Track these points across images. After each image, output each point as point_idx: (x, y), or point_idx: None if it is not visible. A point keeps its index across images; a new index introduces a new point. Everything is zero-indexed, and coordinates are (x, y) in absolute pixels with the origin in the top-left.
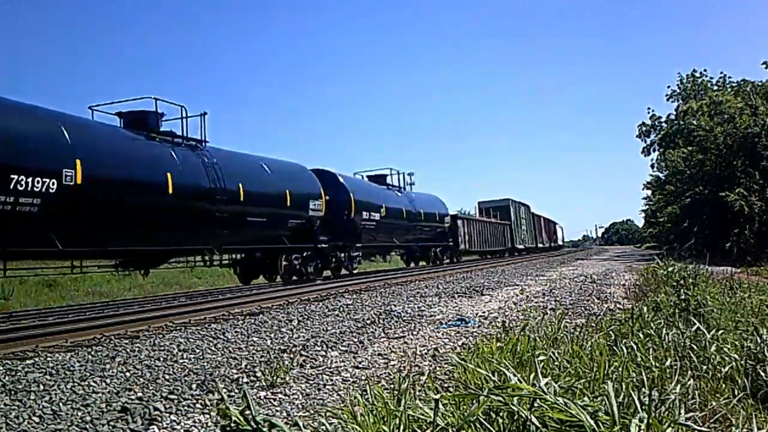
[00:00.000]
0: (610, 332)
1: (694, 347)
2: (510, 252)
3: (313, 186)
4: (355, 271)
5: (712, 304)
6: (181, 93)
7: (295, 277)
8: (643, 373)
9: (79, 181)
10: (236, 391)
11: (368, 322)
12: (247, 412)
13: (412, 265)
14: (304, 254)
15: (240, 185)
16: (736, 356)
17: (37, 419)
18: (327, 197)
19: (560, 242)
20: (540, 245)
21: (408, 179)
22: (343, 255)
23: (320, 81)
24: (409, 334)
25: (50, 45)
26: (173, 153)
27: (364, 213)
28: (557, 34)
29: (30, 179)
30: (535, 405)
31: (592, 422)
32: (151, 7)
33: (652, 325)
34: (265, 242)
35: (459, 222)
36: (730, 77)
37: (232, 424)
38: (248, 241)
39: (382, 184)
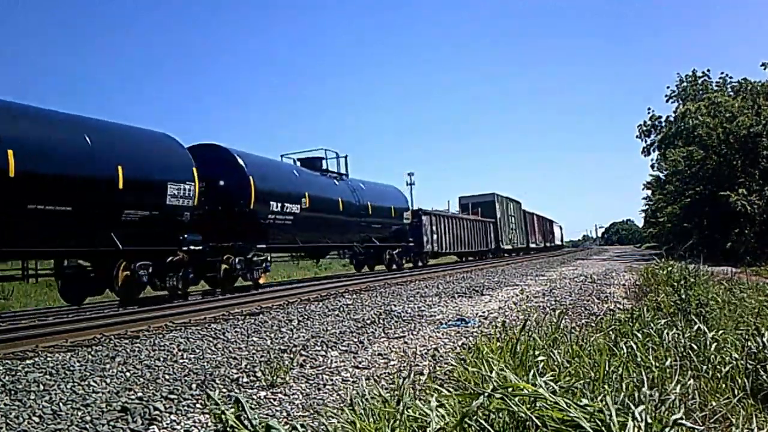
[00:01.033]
0: (610, 332)
1: (694, 347)
2: (494, 253)
3: (179, 164)
4: (261, 281)
5: (713, 304)
6: (182, 94)
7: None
8: (643, 373)
9: None
10: (237, 391)
11: (368, 322)
12: (243, 415)
13: (366, 269)
14: (169, 260)
15: (10, 155)
16: (736, 356)
17: (37, 419)
18: (221, 182)
19: (558, 242)
20: (533, 245)
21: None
22: (238, 261)
23: (319, 82)
24: (409, 334)
25: (50, 46)
26: None
27: (274, 204)
28: (557, 35)
29: None
30: (536, 405)
31: (590, 423)
32: (150, 7)
33: (652, 325)
34: (75, 243)
35: (424, 218)
36: (730, 77)
37: (228, 429)
38: (34, 241)
39: (315, 168)
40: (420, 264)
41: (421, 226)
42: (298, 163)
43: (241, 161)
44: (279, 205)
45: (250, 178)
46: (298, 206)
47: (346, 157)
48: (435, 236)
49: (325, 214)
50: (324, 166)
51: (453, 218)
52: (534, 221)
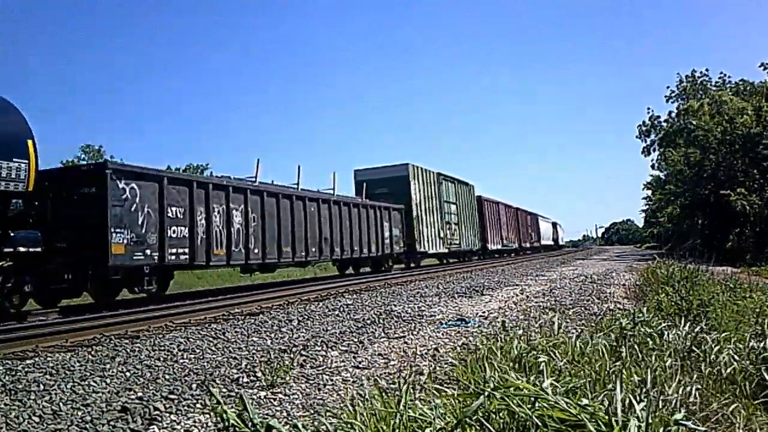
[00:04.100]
0: (611, 332)
1: (695, 348)
2: (407, 259)
3: None
4: None
5: (714, 304)
6: (181, 95)
7: None
8: (644, 374)
9: None
10: (236, 390)
11: (368, 322)
12: (245, 414)
13: None
14: None
15: None
16: (737, 357)
17: (37, 419)
18: None
19: (548, 242)
20: (494, 246)
21: None
22: None
23: (315, 83)
24: (409, 334)
25: (49, 47)
26: None
27: None
28: (557, 34)
29: None
30: (536, 405)
31: (591, 423)
32: (148, 10)
33: (652, 325)
34: None
35: (126, 187)
36: (729, 77)
37: (230, 427)
38: None
39: None
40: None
41: (107, 205)
42: None
43: None
44: None
45: None
46: None
47: None
48: (184, 230)
49: None
50: None
51: (264, 193)
52: (499, 213)
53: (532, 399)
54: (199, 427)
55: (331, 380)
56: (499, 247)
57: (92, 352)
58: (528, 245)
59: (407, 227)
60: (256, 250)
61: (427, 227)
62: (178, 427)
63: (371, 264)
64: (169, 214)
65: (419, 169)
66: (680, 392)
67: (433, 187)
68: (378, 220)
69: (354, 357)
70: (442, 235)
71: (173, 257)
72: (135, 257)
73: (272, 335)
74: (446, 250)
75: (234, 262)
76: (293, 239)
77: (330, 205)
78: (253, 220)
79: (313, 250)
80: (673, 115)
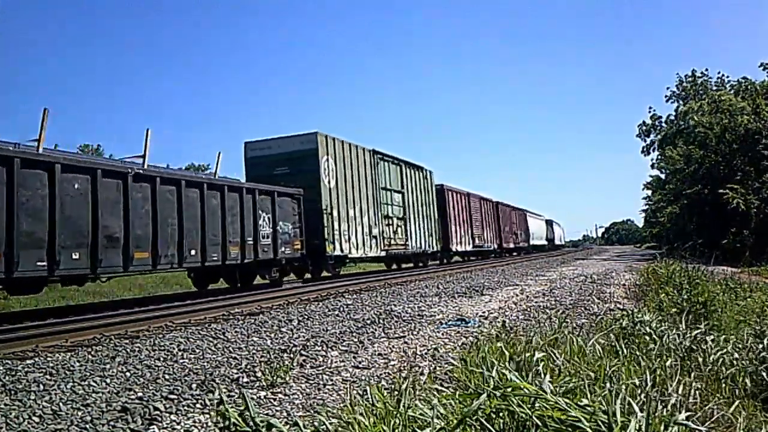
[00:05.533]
0: (611, 332)
1: (695, 348)
2: (312, 267)
3: None
4: None
5: (715, 304)
6: (184, 94)
7: None
8: (644, 374)
9: None
10: (236, 390)
11: (368, 322)
12: (246, 413)
13: None
14: None
15: None
16: (736, 356)
17: (37, 419)
18: None
19: (539, 241)
20: (462, 248)
21: None
22: None
23: (315, 82)
24: (409, 334)
25: (49, 47)
26: None
27: None
28: (557, 34)
29: None
30: (536, 405)
31: (590, 423)
32: (148, 10)
33: (653, 325)
34: None
35: None
36: (728, 77)
37: (231, 426)
38: None
39: None
40: None
41: None
42: None
43: None
44: None
45: None
46: None
47: None
48: None
49: None
50: None
51: None
52: (470, 208)
53: (532, 399)
54: (199, 427)
55: (331, 380)
56: (469, 248)
57: (92, 352)
58: (512, 245)
59: (312, 221)
60: None
61: (348, 222)
62: (178, 427)
63: (239, 275)
64: None
65: (337, 141)
66: (680, 392)
67: (362, 168)
68: (246, 211)
69: (354, 357)
70: (375, 232)
71: None
72: None
73: (272, 335)
74: (383, 253)
75: None
76: (10, 240)
77: (127, 182)
78: None
79: (75, 256)
80: (672, 117)
